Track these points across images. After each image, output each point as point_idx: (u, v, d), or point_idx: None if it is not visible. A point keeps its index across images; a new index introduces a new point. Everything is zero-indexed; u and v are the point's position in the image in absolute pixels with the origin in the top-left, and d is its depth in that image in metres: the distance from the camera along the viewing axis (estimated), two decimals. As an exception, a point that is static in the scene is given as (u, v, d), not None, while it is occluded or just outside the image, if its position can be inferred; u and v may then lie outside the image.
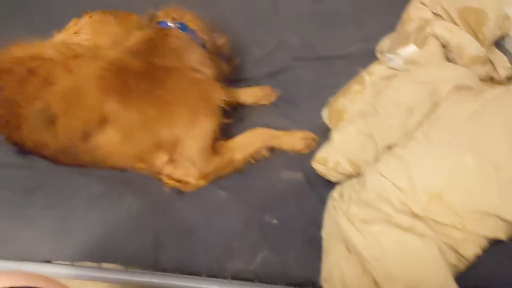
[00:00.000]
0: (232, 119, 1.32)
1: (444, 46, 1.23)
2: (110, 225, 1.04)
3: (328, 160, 1.12)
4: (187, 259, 1.03)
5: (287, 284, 0.99)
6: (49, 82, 1.14)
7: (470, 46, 1.19)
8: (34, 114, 1.14)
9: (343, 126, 1.17)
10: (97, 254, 1.02)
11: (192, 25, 1.33)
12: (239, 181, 1.19)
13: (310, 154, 1.27)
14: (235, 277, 1.01)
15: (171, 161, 1.16)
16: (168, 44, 1.24)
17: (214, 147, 1.20)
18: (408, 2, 1.43)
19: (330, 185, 1.13)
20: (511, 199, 0.86)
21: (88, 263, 1.03)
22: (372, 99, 1.17)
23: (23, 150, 1.20)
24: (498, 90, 0.99)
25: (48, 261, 1.03)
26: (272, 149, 1.28)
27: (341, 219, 0.94)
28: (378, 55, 1.55)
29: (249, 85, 1.56)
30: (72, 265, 1.02)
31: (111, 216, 1.06)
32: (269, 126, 1.34)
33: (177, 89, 1.16)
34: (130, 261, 1.03)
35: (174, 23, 1.30)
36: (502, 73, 1.22)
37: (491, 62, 1.23)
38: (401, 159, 0.97)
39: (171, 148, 1.15)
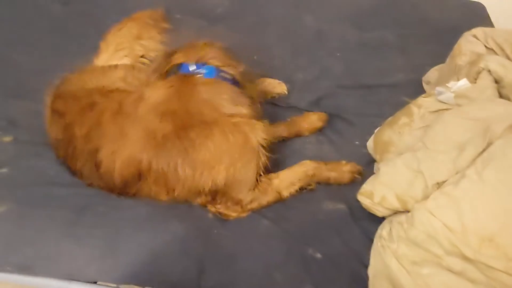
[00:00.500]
0: (275, 147, 1.33)
1: (497, 82, 1.20)
2: (156, 249, 1.05)
3: (374, 194, 1.10)
4: (229, 286, 1.03)
5: (330, 322, 0.98)
6: (100, 124, 1.17)
7: (524, 83, 1.16)
8: (86, 153, 1.18)
9: (390, 160, 1.15)
10: (143, 277, 1.03)
11: (216, 62, 1.26)
12: (281, 210, 1.18)
13: (353, 184, 1.26)
14: (276, 310, 1.00)
15: (214, 201, 1.18)
16: (197, 97, 1.17)
17: (260, 186, 1.19)
18: (454, 32, 1.42)
19: (375, 218, 1.11)
20: None
21: (133, 286, 1.04)
22: (421, 133, 1.15)
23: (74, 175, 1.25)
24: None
25: (94, 282, 1.05)
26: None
27: (390, 259, 0.92)
28: (425, 85, 1.54)
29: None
30: (117, 287, 1.04)
31: (156, 240, 1.07)
32: (312, 153, 1.35)
33: (216, 146, 1.12)
34: (174, 286, 1.03)
35: (197, 67, 1.23)
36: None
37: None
38: (452, 197, 0.94)
39: (211, 193, 1.16)
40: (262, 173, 1.20)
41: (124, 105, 1.19)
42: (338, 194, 1.23)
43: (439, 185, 1.02)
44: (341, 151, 1.39)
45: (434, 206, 0.96)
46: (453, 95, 1.20)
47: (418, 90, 1.49)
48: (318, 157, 1.35)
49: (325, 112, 1.50)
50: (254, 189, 1.19)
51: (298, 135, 1.46)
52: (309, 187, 1.25)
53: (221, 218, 1.15)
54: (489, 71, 1.20)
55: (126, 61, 1.59)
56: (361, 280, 0.98)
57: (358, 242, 1.07)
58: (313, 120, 1.46)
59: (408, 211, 1.04)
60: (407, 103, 1.28)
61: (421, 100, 1.25)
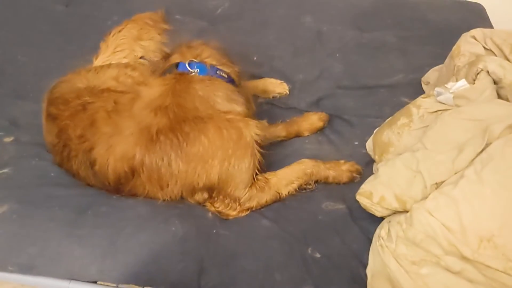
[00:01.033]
0: (274, 147, 1.33)
1: (496, 82, 1.21)
2: (156, 249, 1.06)
3: (373, 194, 1.10)
4: (229, 286, 1.04)
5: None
6: (93, 124, 1.19)
7: (524, 83, 1.16)
8: (80, 153, 1.19)
9: (389, 160, 1.15)
10: (143, 277, 1.04)
11: (212, 61, 1.28)
12: (281, 210, 1.19)
13: (352, 184, 1.27)
14: (277, 310, 1.01)
15: (211, 198, 1.19)
16: (194, 92, 1.19)
17: (257, 183, 1.20)
18: (454, 33, 1.42)
19: (374, 218, 1.11)
20: None
21: (133, 286, 1.05)
22: (420, 134, 1.16)
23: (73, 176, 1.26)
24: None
25: (94, 282, 1.05)
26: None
27: (389, 259, 0.92)
28: (424, 86, 1.54)
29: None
30: (117, 286, 1.04)
31: (157, 240, 1.08)
32: (312, 153, 1.35)
33: (206, 141, 1.13)
34: (174, 286, 1.04)
35: (193, 65, 1.24)
36: (557, 112, 1.18)
37: (545, 100, 1.19)
38: (451, 197, 0.94)
39: (209, 190, 1.18)
40: (258, 171, 1.20)
41: (119, 103, 1.21)
42: (338, 194, 1.24)
43: (438, 185, 1.03)
44: (341, 151, 1.40)
45: (433, 206, 0.96)
46: (452, 95, 1.20)
47: (417, 90, 1.50)
48: (318, 157, 1.36)
49: (324, 112, 1.51)
50: (251, 187, 1.19)
51: (298, 135, 1.47)
52: (308, 187, 1.26)
53: (221, 218, 1.16)
54: (487, 72, 1.20)
55: (125, 61, 1.60)
56: (360, 280, 0.99)
57: (357, 242, 1.07)
58: (313, 120, 1.48)
59: (407, 211, 1.04)
60: (407, 103, 1.29)
61: (420, 100, 1.26)
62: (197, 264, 1.05)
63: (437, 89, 1.25)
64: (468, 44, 1.30)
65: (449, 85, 1.23)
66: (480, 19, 1.73)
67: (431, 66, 1.53)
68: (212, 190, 1.18)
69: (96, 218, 1.12)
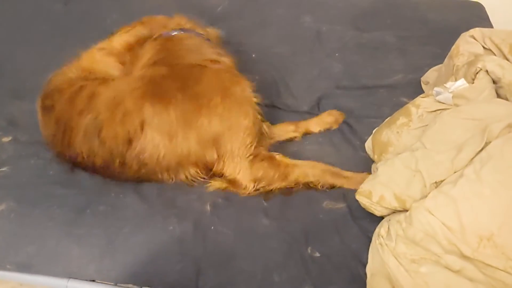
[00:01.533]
0: (274, 148, 1.33)
1: (494, 82, 1.21)
2: (154, 249, 1.05)
3: (373, 193, 1.10)
4: (227, 287, 1.03)
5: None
6: (95, 96, 1.20)
7: (522, 83, 1.16)
8: (84, 124, 1.19)
9: (388, 159, 1.15)
10: (141, 277, 1.04)
11: (189, 26, 1.41)
12: (280, 209, 1.18)
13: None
14: (276, 311, 1.00)
15: (220, 156, 1.20)
16: (181, 46, 1.30)
17: (271, 157, 1.24)
18: (453, 33, 1.42)
19: (374, 218, 1.11)
20: None
21: (131, 285, 1.05)
22: (419, 133, 1.15)
23: (74, 165, 1.25)
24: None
25: (93, 280, 1.05)
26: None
27: (388, 258, 0.92)
28: (423, 86, 1.54)
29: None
30: (115, 285, 1.04)
31: (155, 240, 1.08)
32: (312, 154, 1.35)
33: (205, 81, 1.20)
34: (172, 286, 1.04)
35: (176, 31, 1.35)
36: (556, 112, 1.18)
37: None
38: (450, 196, 0.94)
39: (216, 142, 1.19)
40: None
41: (117, 76, 1.28)
42: (338, 194, 1.23)
43: (437, 184, 1.02)
44: (341, 152, 1.39)
45: (433, 205, 0.96)
46: (451, 95, 1.20)
47: (417, 90, 1.49)
48: (318, 158, 1.36)
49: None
50: (258, 158, 1.22)
51: (308, 132, 1.47)
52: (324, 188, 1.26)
53: (220, 214, 1.15)
54: (486, 71, 1.20)
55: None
56: (359, 279, 0.98)
57: (357, 241, 1.07)
58: (322, 116, 1.49)
59: (407, 211, 1.04)
60: (406, 103, 1.29)
61: (419, 100, 1.26)
62: (195, 265, 1.05)
63: (436, 88, 1.25)
64: (467, 44, 1.30)
65: (448, 84, 1.23)
66: (480, 19, 1.73)
67: (431, 66, 1.53)
68: (218, 144, 1.19)
69: (95, 217, 1.11)
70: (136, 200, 1.16)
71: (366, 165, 1.32)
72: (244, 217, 1.15)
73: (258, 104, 1.27)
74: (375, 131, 1.29)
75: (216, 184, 1.23)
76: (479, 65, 1.21)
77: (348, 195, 1.20)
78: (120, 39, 1.41)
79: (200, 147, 1.19)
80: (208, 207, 1.16)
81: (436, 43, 1.60)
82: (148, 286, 1.04)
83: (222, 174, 1.22)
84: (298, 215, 1.16)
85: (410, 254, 0.91)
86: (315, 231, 1.10)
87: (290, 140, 1.45)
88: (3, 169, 1.25)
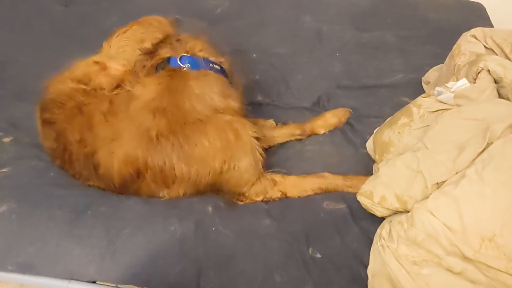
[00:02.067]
0: (275, 148, 1.32)
1: (496, 81, 1.20)
2: (155, 249, 1.05)
3: (374, 194, 1.09)
4: (228, 287, 1.03)
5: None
6: (92, 128, 1.18)
7: (524, 83, 1.16)
8: (82, 157, 1.19)
9: (389, 160, 1.15)
10: (142, 278, 1.03)
11: (204, 54, 1.25)
12: (281, 209, 1.18)
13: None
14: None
15: (218, 192, 1.21)
16: (188, 91, 1.16)
17: (264, 181, 1.23)
18: (454, 33, 1.42)
19: (375, 218, 1.11)
20: None
21: (132, 286, 1.04)
22: (420, 133, 1.15)
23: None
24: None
25: (94, 282, 1.05)
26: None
27: (390, 259, 0.91)
28: (424, 85, 1.54)
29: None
30: (116, 286, 1.04)
31: (155, 240, 1.07)
32: (313, 154, 1.35)
33: (211, 143, 1.13)
34: (172, 287, 1.03)
35: (185, 59, 1.20)
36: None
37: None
38: (452, 197, 0.94)
39: (213, 188, 1.20)
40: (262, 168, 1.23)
41: (115, 104, 1.19)
42: (338, 194, 1.23)
43: (438, 185, 1.02)
44: (342, 152, 1.39)
45: (434, 206, 0.95)
46: (452, 95, 1.19)
47: (417, 90, 1.50)
48: (319, 158, 1.35)
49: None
50: (257, 183, 1.21)
51: (313, 133, 1.47)
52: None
53: (221, 215, 1.15)
54: (488, 71, 1.20)
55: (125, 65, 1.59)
56: (360, 280, 0.98)
57: (358, 242, 1.07)
58: (327, 117, 1.48)
59: (408, 211, 1.04)
60: (407, 103, 1.28)
61: (420, 100, 1.25)
62: (196, 265, 1.04)
63: (437, 88, 1.24)
64: (469, 43, 1.29)
65: (449, 84, 1.22)
66: (481, 18, 1.73)
67: (431, 65, 1.52)
68: (216, 189, 1.19)
69: (95, 218, 1.11)
70: (138, 202, 1.16)
71: (367, 165, 1.32)
72: (245, 218, 1.15)
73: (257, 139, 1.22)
74: (376, 131, 1.29)
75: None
76: (481, 65, 1.20)
77: (348, 196, 1.20)
78: (117, 62, 1.35)
79: (195, 192, 1.20)
80: (210, 208, 1.16)
81: (436, 43, 1.60)
82: (148, 287, 1.04)
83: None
84: (299, 216, 1.15)
85: (412, 256, 0.90)
86: (316, 232, 1.10)
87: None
88: (4, 170, 1.24)
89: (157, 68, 1.22)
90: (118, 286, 1.04)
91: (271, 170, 1.29)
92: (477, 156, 0.99)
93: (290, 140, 1.45)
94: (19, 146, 1.33)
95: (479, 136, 1.01)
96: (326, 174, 1.28)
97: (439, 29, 1.67)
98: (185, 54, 1.22)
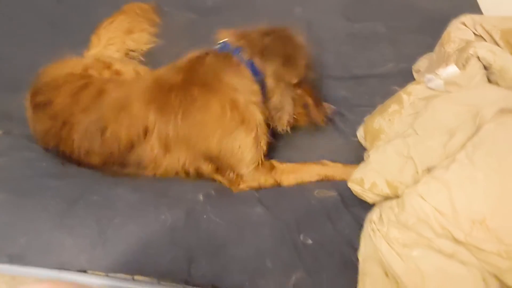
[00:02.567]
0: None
1: (486, 68, 1.21)
2: (145, 238, 1.04)
3: (365, 180, 1.10)
4: (220, 274, 1.02)
5: (321, 307, 0.97)
6: (102, 94, 1.20)
7: (513, 68, 1.16)
8: (87, 122, 1.19)
9: (380, 146, 1.15)
10: (132, 266, 1.02)
11: (267, 68, 1.20)
12: (274, 197, 1.18)
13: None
14: (269, 297, 0.99)
15: (217, 170, 1.21)
16: (222, 69, 1.18)
17: (263, 167, 1.23)
18: (444, 22, 1.42)
19: (366, 205, 1.11)
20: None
21: (123, 275, 1.04)
22: (411, 120, 1.15)
23: (67, 160, 1.24)
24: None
25: (84, 271, 1.04)
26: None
27: (380, 242, 0.91)
28: (415, 74, 1.54)
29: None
30: (107, 275, 1.03)
31: (146, 229, 1.06)
32: (304, 142, 1.34)
33: (213, 116, 1.15)
34: (164, 276, 1.03)
35: (238, 51, 1.20)
36: (547, 96, 1.18)
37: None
38: (443, 181, 0.94)
39: (215, 159, 1.19)
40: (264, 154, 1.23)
41: (122, 76, 1.26)
42: (330, 183, 1.23)
43: (429, 170, 1.02)
44: (334, 141, 1.40)
45: (425, 191, 0.95)
46: (442, 82, 1.20)
47: (408, 79, 1.49)
48: (310, 148, 1.35)
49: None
50: (257, 169, 1.21)
51: None
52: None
53: (213, 203, 1.14)
54: (478, 57, 1.20)
55: (117, 55, 1.59)
56: (352, 265, 0.98)
57: (349, 228, 1.06)
58: None
59: (398, 197, 1.04)
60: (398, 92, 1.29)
61: (410, 87, 1.25)
62: (187, 254, 1.04)
63: (427, 75, 1.24)
64: (458, 31, 1.30)
65: (439, 71, 1.23)
66: (470, 7, 1.73)
67: (422, 55, 1.53)
68: (214, 162, 1.19)
69: (87, 208, 1.11)
70: (129, 191, 1.16)
71: (358, 154, 1.32)
72: (237, 206, 1.14)
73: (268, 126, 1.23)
74: (366, 119, 1.29)
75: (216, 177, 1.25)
76: (471, 51, 1.21)
77: (339, 184, 1.20)
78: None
79: (195, 162, 1.20)
80: (201, 197, 1.16)
81: (427, 32, 1.59)
82: (140, 275, 1.03)
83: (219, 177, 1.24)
84: (290, 204, 1.15)
85: (402, 239, 0.90)
86: (307, 219, 1.10)
87: None
88: (-4, 160, 1.24)
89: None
90: (109, 274, 1.03)
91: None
92: (467, 141, 0.99)
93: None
94: (11, 138, 1.33)
95: (469, 121, 1.02)
96: (325, 161, 1.28)
97: (430, 19, 1.67)
98: (253, 56, 1.21)
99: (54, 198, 1.12)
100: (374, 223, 0.98)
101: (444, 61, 1.28)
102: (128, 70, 1.38)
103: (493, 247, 0.84)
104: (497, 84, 1.19)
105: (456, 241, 0.87)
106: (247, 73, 1.19)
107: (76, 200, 1.12)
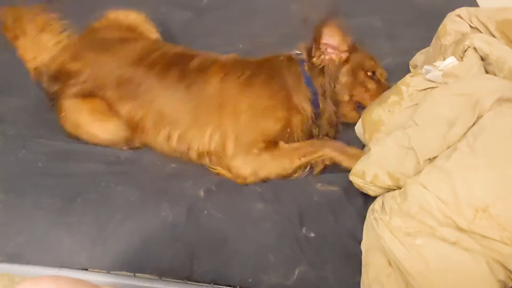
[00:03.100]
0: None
1: (483, 59, 1.21)
2: (146, 235, 1.04)
3: (366, 173, 1.09)
4: (222, 270, 1.02)
5: (326, 299, 0.97)
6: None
7: (510, 59, 1.17)
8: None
9: (381, 138, 1.15)
10: (133, 264, 1.02)
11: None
12: (275, 191, 1.17)
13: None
14: (272, 291, 0.99)
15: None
16: (284, 72, 1.35)
17: (274, 145, 1.25)
18: (440, 16, 1.43)
19: (368, 198, 1.11)
20: None
21: (124, 272, 1.03)
22: (410, 112, 1.15)
23: None
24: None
25: (85, 269, 1.03)
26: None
27: (383, 231, 0.91)
28: (412, 69, 1.54)
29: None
30: (108, 273, 1.02)
31: (146, 226, 1.06)
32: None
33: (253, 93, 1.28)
34: (165, 273, 1.02)
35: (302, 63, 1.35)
36: (543, 85, 1.19)
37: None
38: (445, 171, 0.94)
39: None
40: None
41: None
42: (330, 177, 1.22)
43: (430, 161, 1.02)
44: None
45: (427, 180, 0.95)
46: (441, 73, 1.20)
47: (405, 74, 1.46)
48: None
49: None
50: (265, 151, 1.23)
51: None
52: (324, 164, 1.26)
53: (213, 198, 1.13)
54: (474, 48, 1.21)
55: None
56: (355, 257, 0.98)
57: (352, 221, 1.06)
58: None
59: (400, 188, 1.04)
60: (396, 86, 1.29)
61: (408, 79, 1.26)
62: (188, 250, 1.03)
63: (425, 67, 1.24)
64: (454, 23, 1.30)
65: (437, 63, 1.23)
66: (467, 2, 1.74)
67: (418, 49, 1.53)
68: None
69: (85, 206, 1.10)
70: (128, 188, 1.15)
71: (358, 146, 1.31)
72: (238, 201, 1.14)
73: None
74: (364, 111, 1.29)
75: (219, 171, 1.25)
76: (467, 43, 1.21)
77: (340, 178, 1.19)
78: None
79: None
80: (202, 193, 1.15)
81: (423, 26, 1.60)
82: (141, 273, 1.02)
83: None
84: (292, 198, 1.14)
85: (405, 227, 0.90)
86: (309, 213, 1.09)
87: None
88: (-9, 161, 1.23)
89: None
90: (110, 273, 1.03)
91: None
92: (467, 130, 0.99)
93: None
94: (6, 139, 1.31)
95: (468, 110, 1.02)
96: (326, 142, 1.30)
97: (426, 13, 1.68)
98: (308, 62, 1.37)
99: (51, 197, 1.11)
100: (377, 213, 0.98)
101: (440, 53, 1.28)
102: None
103: (496, 234, 0.84)
104: (494, 74, 1.20)
105: (459, 229, 0.87)
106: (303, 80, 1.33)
107: (73, 198, 1.11)
